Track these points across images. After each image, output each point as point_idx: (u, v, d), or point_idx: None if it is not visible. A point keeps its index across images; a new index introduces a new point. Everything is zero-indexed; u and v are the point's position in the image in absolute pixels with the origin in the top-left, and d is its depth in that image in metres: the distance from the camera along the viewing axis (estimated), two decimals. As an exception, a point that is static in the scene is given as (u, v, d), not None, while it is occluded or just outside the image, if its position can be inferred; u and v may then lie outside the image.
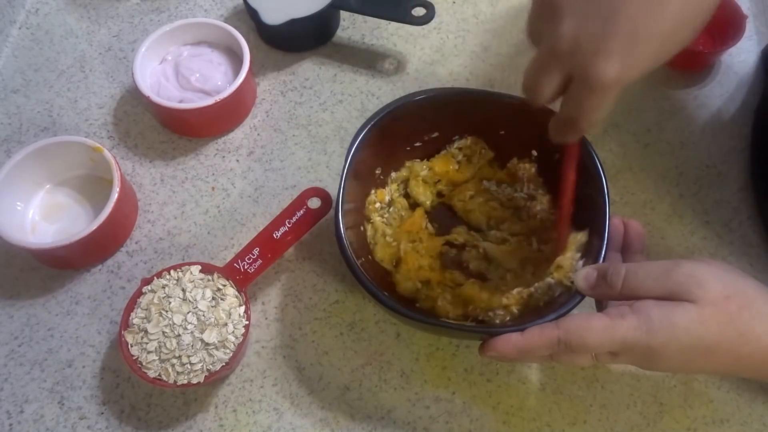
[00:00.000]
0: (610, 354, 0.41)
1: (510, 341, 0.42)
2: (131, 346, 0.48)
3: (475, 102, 0.54)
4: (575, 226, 0.50)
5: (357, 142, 0.50)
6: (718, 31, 0.65)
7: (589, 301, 0.46)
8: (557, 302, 0.46)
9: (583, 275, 0.44)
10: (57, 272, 0.56)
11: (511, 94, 0.54)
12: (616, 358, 0.41)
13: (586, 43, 0.36)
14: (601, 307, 0.47)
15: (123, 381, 0.52)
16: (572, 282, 0.46)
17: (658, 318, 0.39)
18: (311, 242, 0.57)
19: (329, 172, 0.61)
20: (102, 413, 0.51)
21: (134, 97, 0.65)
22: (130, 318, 0.49)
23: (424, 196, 0.56)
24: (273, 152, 0.62)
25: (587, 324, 0.40)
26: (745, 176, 0.61)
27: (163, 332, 0.48)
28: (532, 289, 0.48)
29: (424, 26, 0.65)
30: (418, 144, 0.56)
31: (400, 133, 0.54)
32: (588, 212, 0.48)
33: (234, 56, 0.64)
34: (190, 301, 0.49)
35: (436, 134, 0.56)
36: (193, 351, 0.48)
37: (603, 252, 0.45)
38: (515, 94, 0.54)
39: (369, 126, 0.51)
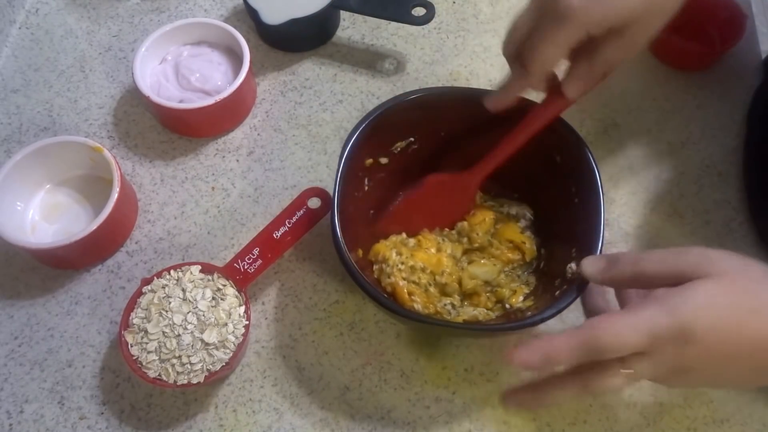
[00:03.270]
0: (638, 356, 0.38)
1: (531, 348, 0.39)
2: (131, 346, 0.48)
3: (473, 101, 0.53)
4: (575, 224, 0.50)
5: (351, 142, 0.50)
6: (718, 31, 0.65)
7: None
8: (557, 298, 0.46)
9: (591, 261, 0.44)
10: (57, 272, 0.56)
11: None
12: (648, 359, 0.38)
13: None
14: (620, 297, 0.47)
15: (123, 381, 0.52)
16: (571, 274, 0.45)
17: (678, 296, 0.38)
18: (311, 242, 0.57)
19: (329, 172, 0.61)
20: (102, 413, 0.51)
21: (134, 97, 0.65)
22: (130, 318, 0.49)
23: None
24: (273, 152, 0.62)
25: (610, 318, 0.38)
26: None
27: (163, 332, 0.48)
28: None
29: (424, 26, 0.65)
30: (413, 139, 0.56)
31: (396, 131, 0.54)
32: (584, 210, 0.48)
33: (234, 56, 0.64)
34: (190, 301, 0.49)
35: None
36: (193, 351, 0.48)
37: (600, 249, 0.45)
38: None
39: (363, 125, 0.51)
